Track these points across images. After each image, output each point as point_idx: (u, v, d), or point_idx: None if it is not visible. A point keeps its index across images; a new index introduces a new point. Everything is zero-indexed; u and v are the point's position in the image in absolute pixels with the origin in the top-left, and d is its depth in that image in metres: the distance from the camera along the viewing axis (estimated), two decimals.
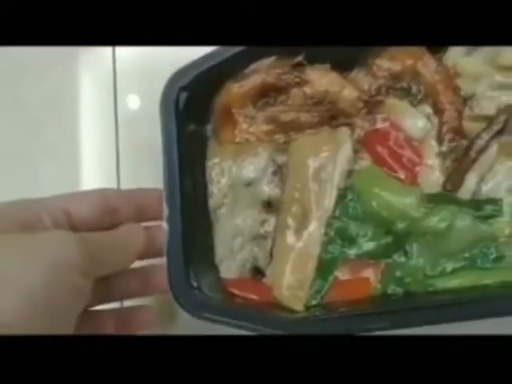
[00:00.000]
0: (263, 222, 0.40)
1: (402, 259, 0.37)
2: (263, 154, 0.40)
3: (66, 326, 0.28)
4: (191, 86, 0.39)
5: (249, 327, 0.34)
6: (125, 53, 0.48)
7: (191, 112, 0.39)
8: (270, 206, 0.40)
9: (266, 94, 0.41)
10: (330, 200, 0.38)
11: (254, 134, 0.41)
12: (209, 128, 0.41)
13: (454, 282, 0.36)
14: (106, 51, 0.48)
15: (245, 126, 0.41)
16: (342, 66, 0.40)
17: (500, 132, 0.37)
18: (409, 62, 0.39)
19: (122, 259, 0.33)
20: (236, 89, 0.40)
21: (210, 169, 0.40)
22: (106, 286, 0.35)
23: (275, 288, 0.38)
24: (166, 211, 0.36)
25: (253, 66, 0.40)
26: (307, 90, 0.41)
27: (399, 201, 0.37)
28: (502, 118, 0.37)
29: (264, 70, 0.40)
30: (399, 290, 0.36)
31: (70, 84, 0.48)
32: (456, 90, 0.39)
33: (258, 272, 0.40)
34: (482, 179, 0.38)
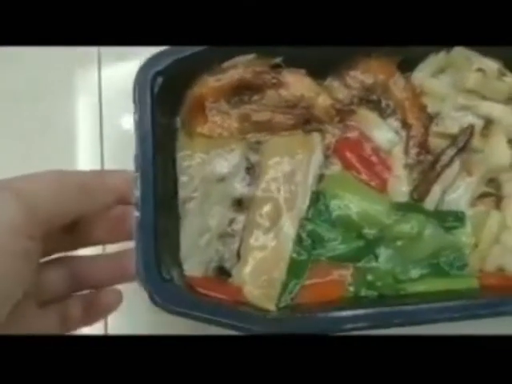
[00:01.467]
0: (232, 221, 0.38)
1: (373, 264, 0.36)
2: (237, 150, 0.38)
3: (12, 295, 0.25)
4: (167, 72, 0.36)
5: (225, 323, 0.31)
6: None
7: (164, 100, 0.37)
8: (239, 204, 0.38)
9: (241, 91, 0.40)
10: (303, 201, 0.38)
11: (227, 129, 0.39)
12: (178, 119, 0.39)
13: (421, 288, 0.36)
14: None
15: (218, 120, 0.39)
16: (317, 74, 0.40)
17: (462, 150, 0.39)
18: (381, 76, 0.40)
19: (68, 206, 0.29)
20: (212, 82, 0.39)
21: (182, 160, 0.37)
22: (75, 273, 0.31)
23: (245, 287, 0.36)
24: (137, 197, 0.32)
25: (231, 61, 0.39)
26: (283, 92, 0.40)
27: (371, 207, 0.37)
28: (464, 137, 0.39)
29: (242, 66, 0.39)
30: (371, 293, 0.35)
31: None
32: (422, 107, 0.40)
33: (223, 272, 0.38)
34: (445, 192, 0.39)
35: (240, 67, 0.39)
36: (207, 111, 0.39)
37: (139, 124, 0.35)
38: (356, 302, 0.35)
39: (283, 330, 0.31)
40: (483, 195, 0.40)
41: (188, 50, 0.38)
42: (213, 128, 0.39)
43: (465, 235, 0.37)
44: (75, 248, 0.34)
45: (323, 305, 0.35)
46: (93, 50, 0.46)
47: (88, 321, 0.32)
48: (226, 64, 0.39)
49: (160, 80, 0.36)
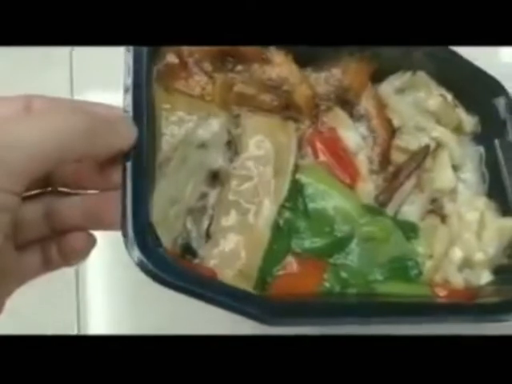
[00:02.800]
0: (203, 195, 0.33)
1: (345, 260, 0.35)
2: (221, 117, 0.34)
3: None
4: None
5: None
6: None
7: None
8: (214, 178, 0.34)
9: (225, 57, 0.36)
10: (284, 187, 0.35)
11: (210, 94, 0.35)
12: (155, 69, 0.33)
13: (384, 290, 0.36)
14: None
15: (200, 80, 0.34)
16: (298, 61, 0.39)
17: (418, 167, 0.41)
18: (356, 80, 0.40)
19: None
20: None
21: (161, 114, 0.32)
22: (52, 212, 0.27)
23: (220, 270, 0.31)
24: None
25: None
26: (268, 70, 0.37)
27: (346, 204, 0.36)
28: (422, 154, 0.41)
29: None
30: (347, 291, 0.34)
31: None
32: (387, 120, 0.41)
33: (188, 251, 0.33)
34: (401, 203, 0.40)
35: None
36: (190, 67, 0.34)
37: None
38: (327, 297, 0.33)
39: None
40: (429, 212, 0.41)
41: None
42: (194, 87, 0.34)
43: (420, 246, 0.37)
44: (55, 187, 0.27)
45: (296, 297, 0.32)
46: None
47: (65, 263, 0.28)
48: None
49: None
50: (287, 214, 0.35)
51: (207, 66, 0.35)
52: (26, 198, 0.25)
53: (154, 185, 0.31)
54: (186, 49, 0.34)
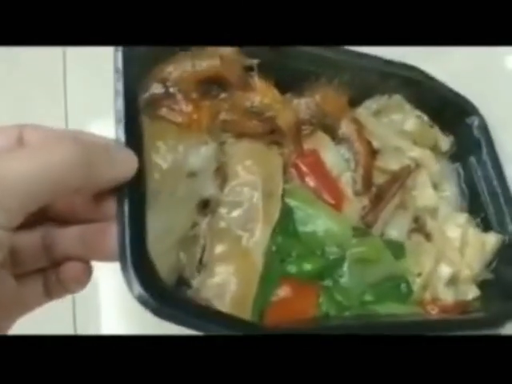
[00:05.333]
0: (195, 225, 0.33)
1: (338, 283, 0.35)
2: (210, 145, 0.34)
3: None
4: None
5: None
6: None
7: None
8: (205, 206, 0.33)
9: (210, 84, 0.36)
10: (275, 212, 0.34)
11: (197, 122, 0.34)
12: (141, 98, 0.33)
13: (379, 310, 0.35)
14: None
15: (186, 109, 0.34)
16: (281, 86, 0.39)
17: (401, 186, 0.41)
18: (336, 106, 0.41)
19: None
20: (187, 66, 0.34)
21: (152, 144, 0.31)
22: (49, 243, 0.26)
23: (215, 301, 0.30)
24: None
25: (211, 50, 0.35)
26: (251, 96, 0.37)
27: (335, 226, 0.36)
28: (403, 174, 0.41)
29: (222, 57, 0.35)
30: (343, 313, 0.33)
31: None
32: (368, 142, 0.42)
33: (183, 282, 0.32)
34: (386, 223, 0.40)
35: (217, 58, 0.35)
36: (175, 95, 0.34)
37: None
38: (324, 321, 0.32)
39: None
40: (414, 230, 0.41)
41: None
42: (180, 115, 0.34)
43: (408, 264, 0.37)
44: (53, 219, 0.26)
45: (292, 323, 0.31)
46: None
47: (65, 292, 0.27)
48: (205, 52, 0.34)
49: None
50: (279, 239, 0.34)
51: (192, 94, 0.34)
52: (24, 229, 0.25)
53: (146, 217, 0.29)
54: (170, 78, 0.34)
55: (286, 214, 0.35)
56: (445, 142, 0.45)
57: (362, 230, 0.37)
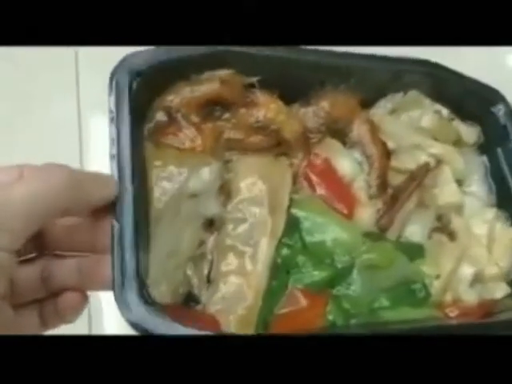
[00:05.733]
0: (201, 243, 0.34)
1: (347, 291, 0.35)
2: (212, 166, 0.35)
3: None
4: (145, 73, 0.33)
5: None
6: None
7: (141, 100, 0.33)
8: (210, 225, 0.35)
9: (213, 106, 0.37)
10: (279, 225, 0.35)
11: (200, 145, 0.36)
12: (146, 127, 0.35)
13: (390, 315, 0.35)
14: None
15: (189, 133, 0.35)
16: (288, 97, 0.39)
17: (418, 185, 0.40)
18: (345, 110, 0.40)
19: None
20: (187, 92, 0.36)
21: (152, 171, 0.33)
22: (47, 274, 0.28)
23: (220, 315, 0.32)
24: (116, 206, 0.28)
25: (209, 74, 0.36)
26: (255, 112, 0.38)
27: (343, 234, 0.36)
28: (422, 173, 0.40)
29: (219, 80, 0.36)
30: (349, 321, 0.34)
31: None
32: (382, 143, 0.41)
33: (190, 298, 0.33)
34: (404, 224, 0.39)
35: (216, 81, 0.36)
36: (179, 122, 0.35)
37: (117, 130, 0.30)
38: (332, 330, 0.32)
39: None
40: (436, 229, 0.40)
41: (167, 54, 0.34)
42: (184, 140, 0.35)
43: (426, 266, 0.37)
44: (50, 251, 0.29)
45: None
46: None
47: (61, 321, 0.29)
48: (202, 75, 0.36)
49: (138, 79, 0.32)
50: (285, 251, 0.35)
51: (195, 118, 0.36)
52: (23, 262, 0.27)
53: (149, 242, 0.32)
54: (173, 104, 0.36)
55: (293, 225, 0.36)
56: (469, 134, 0.43)
57: (375, 234, 0.38)
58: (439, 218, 0.41)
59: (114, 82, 0.31)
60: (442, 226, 0.41)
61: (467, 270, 0.38)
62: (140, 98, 0.33)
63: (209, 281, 0.33)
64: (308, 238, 0.36)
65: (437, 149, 0.42)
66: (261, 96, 0.38)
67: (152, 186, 0.32)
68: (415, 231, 0.39)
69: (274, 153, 0.38)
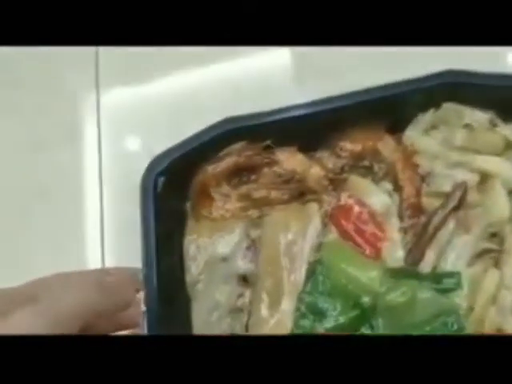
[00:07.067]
0: (240, 296, 0.40)
1: (372, 332, 0.37)
2: (237, 229, 0.40)
3: None
4: (168, 171, 0.40)
5: None
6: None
7: (170, 193, 0.40)
8: (245, 280, 0.40)
9: (240, 173, 0.42)
10: (300, 275, 0.39)
11: (229, 210, 0.42)
12: (188, 205, 0.42)
13: None
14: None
15: (220, 203, 0.41)
16: (308, 148, 0.41)
17: (456, 208, 0.38)
18: (369, 143, 0.40)
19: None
20: (211, 170, 0.42)
21: (188, 245, 0.41)
22: None
23: None
24: (143, 293, 0.36)
25: (226, 150, 0.41)
26: (277, 169, 0.41)
27: (364, 275, 0.38)
28: (458, 194, 0.38)
29: (236, 152, 0.41)
30: None
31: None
32: (414, 167, 0.40)
33: None
34: (441, 253, 0.38)
35: (234, 154, 0.42)
36: (212, 195, 0.42)
37: (144, 224, 0.38)
38: None
39: None
40: (484, 252, 0.38)
41: (184, 148, 0.41)
42: (217, 210, 0.42)
43: (459, 297, 0.36)
44: None
45: None
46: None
47: None
48: (221, 153, 0.42)
49: (162, 179, 0.40)
50: (308, 299, 0.39)
51: (225, 188, 0.43)
52: None
53: (191, 304, 0.41)
54: (203, 182, 0.43)
55: (319, 270, 0.40)
56: None
57: (402, 271, 0.39)
58: (492, 236, 0.39)
59: (142, 187, 0.40)
60: (492, 248, 0.38)
61: (508, 297, 0.36)
62: (174, 185, 0.41)
63: (247, 329, 0.40)
64: (332, 283, 0.39)
65: (481, 162, 0.39)
66: (279, 154, 0.43)
67: (185, 259, 0.41)
68: (455, 259, 0.38)
69: (301, 202, 0.42)
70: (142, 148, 0.47)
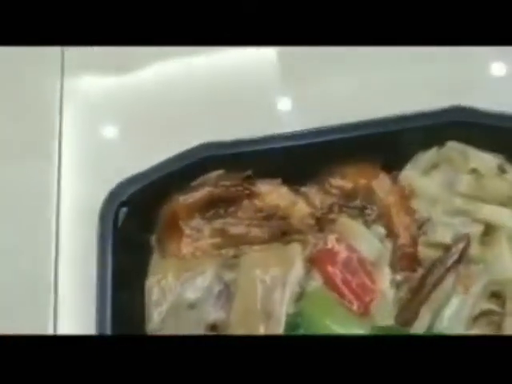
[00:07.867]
0: None
1: None
2: (209, 270, 0.35)
3: None
4: (132, 201, 0.34)
5: None
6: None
7: (132, 225, 0.35)
8: (214, 328, 0.35)
9: (216, 205, 0.37)
10: (277, 328, 0.34)
11: (200, 248, 0.36)
12: (153, 239, 0.36)
13: None
14: None
15: (190, 238, 0.36)
16: (294, 181, 0.36)
17: (457, 262, 0.33)
18: (362, 180, 0.36)
19: None
20: (182, 200, 0.36)
21: (150, 287, 0.35)
22: None
23: None
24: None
25: (200, 179, 0.36)
26: (257, 203, 0.36)
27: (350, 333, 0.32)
28: (460, 246, 0.33)
29: (212, 182, 0.36)
30: None
31: None
32: (411, 212, 0.35)
33: None
34: (437, 313, 0.33)
35: (209, 184, 0.36)
36: (182, 229, 0.37)
37: (100, 257, 0.33)
38: None
39: None
40: (484, 313, 0.33)
41: (152, 175, 0.35)
42: (186, 247, 0.36)
43: None
44: None
45: None
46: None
47: None
48: (194, 182, 0.36)
49: (124, 210, 0.34)
50: None
51: (197, 222, 0.38)
52: None
53: None
54: (171, 214, 0.38)
55: (297, 325, 0.35)
56: None
57: (391, 330, 0.34)
58: (493, 295, 0.34)
59: (100, 218, 0.34)
60: (493, 309, 0.34)
61: None
62: (137, 216, 0.35)
63: None
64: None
65: (487, 212, 0.34)
66: (261, 185, 0.37)
67: (150, 302, 0.35)
68: (451, 319, 0.34)
69: (282, 242, 0.37)
70: (108, 167, 0.41)
